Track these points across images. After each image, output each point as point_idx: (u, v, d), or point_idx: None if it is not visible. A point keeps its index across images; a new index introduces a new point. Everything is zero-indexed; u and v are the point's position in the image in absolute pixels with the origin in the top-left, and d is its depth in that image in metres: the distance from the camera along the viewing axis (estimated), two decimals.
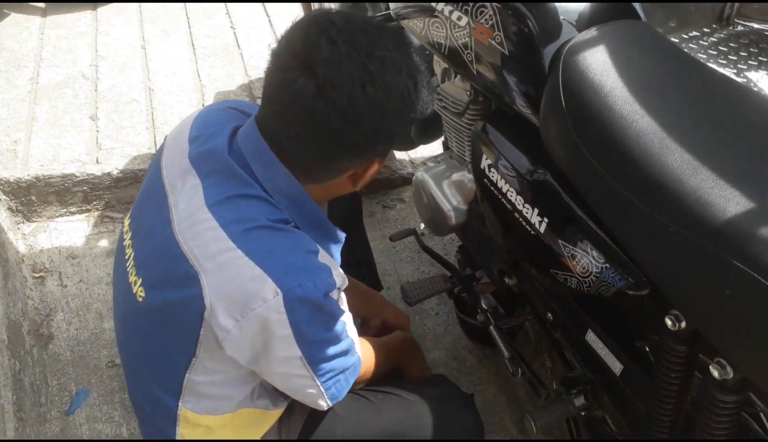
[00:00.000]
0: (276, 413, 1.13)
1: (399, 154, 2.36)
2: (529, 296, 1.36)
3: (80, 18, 2.83)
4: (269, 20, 2.94)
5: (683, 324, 0.85)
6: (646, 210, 0.82)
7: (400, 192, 2.28)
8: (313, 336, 0.95)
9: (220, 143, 0.97)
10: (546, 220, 1.05)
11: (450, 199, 1.45)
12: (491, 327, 1.47)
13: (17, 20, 2.76)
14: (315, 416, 1.17)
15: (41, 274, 1.87)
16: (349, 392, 1.14)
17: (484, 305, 1.43)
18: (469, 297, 1.53)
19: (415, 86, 0.93)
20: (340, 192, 1.04)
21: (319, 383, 1.00)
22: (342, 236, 1.09)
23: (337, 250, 1.07)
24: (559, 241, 1.03)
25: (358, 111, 0.87)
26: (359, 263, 1.60)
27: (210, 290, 0.90)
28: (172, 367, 1.01)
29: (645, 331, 1.09)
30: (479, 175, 1.21)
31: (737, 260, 0.71)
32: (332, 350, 0.99)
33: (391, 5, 1.41)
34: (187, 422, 1.07)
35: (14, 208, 1.98)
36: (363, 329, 1.45)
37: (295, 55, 0.87)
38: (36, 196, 1.98)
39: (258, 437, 1.14)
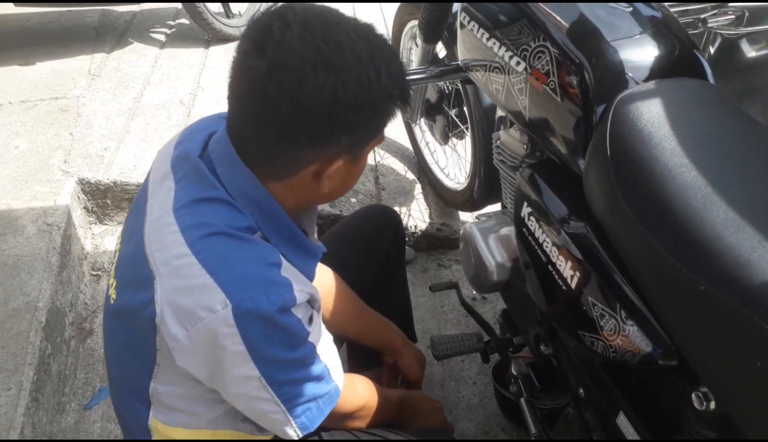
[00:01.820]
0: (264, 438, 1.08)
1: (462, 216, 2.32)
2: (563, 368, 1.25)
3: (193, 53, 3.05)
4: None
5: (712, 404, 0.74)
6: (677, 265, 0.74)
7: (458, 253, 2.22)
8: (272, 355, 0.88)
9: (194, 147, 0.95)
10: (577, 274, 0.97)
11: (494, 254, 1.39)
12: (522, 399, 1.36)
13: (138, 48, 3.02)
14: None
15: (98, 273, 1.95)
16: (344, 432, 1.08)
17: (514, 371, 1.33)
18: (502, 360, 1.44)
19: (378, 76, 0.85)
20: (308, 195, 0.96)
21: (284, 409, 0.93)
22: (319, 249, 1.02)
23: (312, 265, 1.01)
24: (589, 298, 0.94)
25: (308, 94, 0.81)
26: (394, 307, 1.54)
27: (161, 295, 0.86)
28: (139, 373, 0.98)
29: (679, 420, 0.96)
30: (519, 224, 1.16)
31: None
32: (298, 374, 0.92)
33: (460, 56, 1.42)
34: (160, 434, 1.03)
35: (90, 208, 2.09)
36: (372, 371, 1.38)
37: (251, 39, 0.84)
38: (111, 201, 2.09)
39: None
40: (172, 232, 0.88)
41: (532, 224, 1.10)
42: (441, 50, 1.94)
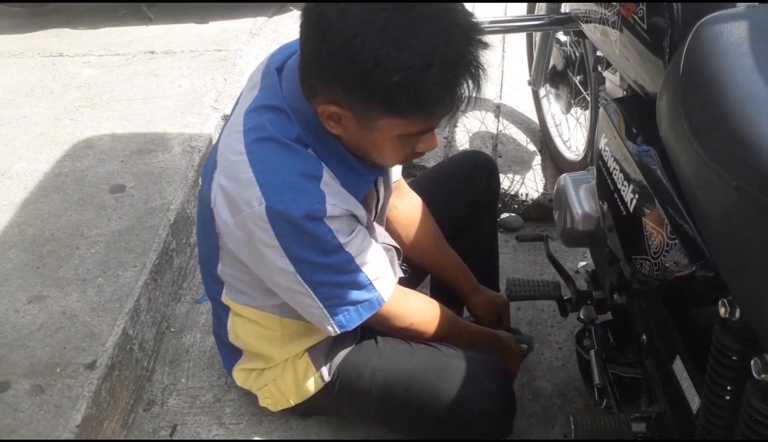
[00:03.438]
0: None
1: None
2: (633, 315, 1.21)
3: None
4: None
5: (737, 313, 0.71)
6: (716, 167, 0.72)
7: None
8: (302, 256, 0.97)
9: (277, 60, 1.04)
10: (636, 197, 0.95)
11: (583, 203, 1.36)
12: (592, 351, 1.33)
13: (295, 15, 3.23)
14: (362, 343, 1.20)
15: None
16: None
17: (581, 315, 1.30)
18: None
19: (427, 65, 0.83)
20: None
21: (321, 306, 1.02)
22: (372, 174, 1.07)
23: (361, 186, 1.05)
24: (642, 218, 0.93)
25: (326, 29, 0.84)
26: (478, 253, 1.55)
27: (215, 184, 0.99)
28: (211, 255, 1.13)
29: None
30: (597, 157, 1.14)
31: None
32: (334, 279, 1.00)
33: (569, 5, 1.42)
34: (233, 309, 1.18)
35: None
36: None
37: None
38: None
39: (305, 347, 1.20)
40: (237, 131, 1.00)
41: (606, 153, 1.09)
42: None
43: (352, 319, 1.05)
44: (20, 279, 1.60)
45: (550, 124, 2.37)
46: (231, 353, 1.28)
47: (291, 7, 3.36)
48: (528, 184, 2.25)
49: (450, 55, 0.84)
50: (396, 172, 1.27)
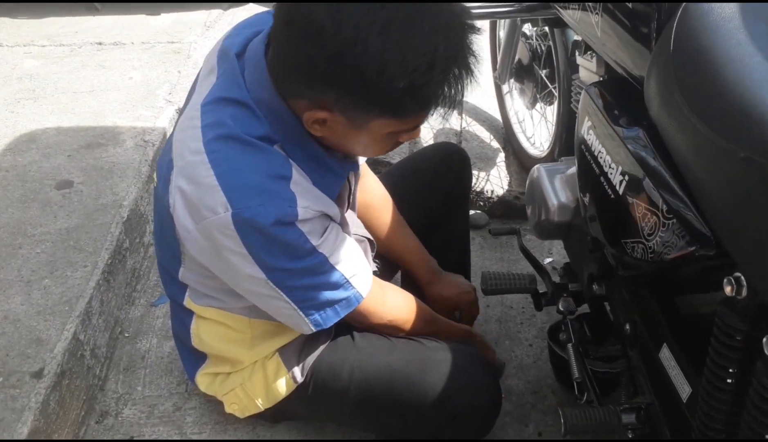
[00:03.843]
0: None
1: None
2: (614, 309, 1.19)
3: None
4: None
5: (744, 291, 0.68)
6: (721, 141, 0.69)
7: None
8: (274, 264, 0.90)
9: (236, 43, 0.94)
10: (626, 178, 0.92)
11: (558, 193, 1.34)
12: (569, 345, 1.30)
13: (251, 7, 3.19)
14: (337, 340, 1.13)
15: None
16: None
17: (561, 307, 1.27)
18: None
19: (365, 42, 0.75)
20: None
21: (296, 308, 0.96)
22: (345, 169, 1.00)
23: (335, 183, 0.99)
24: (634, 200, 0.89)
25: (310, 31, 0.77)
26: (451, 246, 1.51)
27: (173, 186, 0.90)
28: (172, 258, 1.04)
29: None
30: (579, 143, 1.11)
31: None
32: (308, 281, 0.94)
33: None
34: (197, 313, 1.10)
35: None
36: None
37: None
38: None
39: (276, 348, 1.13)
40: (194, 125, 0.90)
41: (590, 137, 1.05)
42: None
43: (329, 317, 0.99)
44: None
45: (513, 120, 2.36)
46: (194, 358, 1.20)
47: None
48: (493, 181, 2.23)
49: (451, 51, 0.79)
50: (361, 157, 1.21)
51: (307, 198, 0.90)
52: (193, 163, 0.88)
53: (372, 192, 1.32)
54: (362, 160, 1.23)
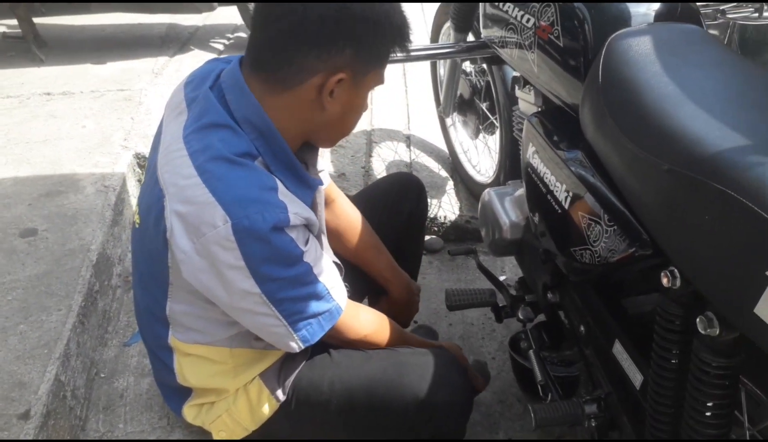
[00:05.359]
0: (276, 352, 1.17)
1: None
2: (568, 314, 1.31)
3: None
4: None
5: (678, 282, 0.81)
6: (649, 157, 0.82)
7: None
8: (269, 274, 0.95)
9: (204, 81, 1.03)
10: (570, 194, 1.05)
11: (509, 213, 1.47)
12: (530, 351, 1.42)
13: (197, 54, 3.27)
14: (314, 358, 1.20)
15: None
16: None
17: (521, 316, 1.39)
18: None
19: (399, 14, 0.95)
20: (309, 117, 1.01)
21: (285, 324, 1.01)
22: (315, 182, 1.09)
23: (308, 195, 1.07)
24: (579, 213, 1.02)
25: None
26: (413, 267, 1.62)
27: (169, 211, 0.95)
28: (157, 294, 1.07)
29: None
30: (525, 167, 1.24)
31: (715, 182, 0.70)
32: (296, 292, 0.99)
33: (483, 32, 1.54)
34: (179, 351, 1.14)
35: (142, 180, 2.27)
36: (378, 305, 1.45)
37: None
38: None
39: (257, 373, 1.18)
40: (181, 156, 0.96)
41: (536, 161, 1.19)
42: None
43: (315, 332, 1.05)
44: None
45: (458, 150, 2.51)
46: (179, 394, 1.23)
47: (192, 47, 3.35)
48: (445, 207, 2.36)
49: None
50: (325, 179, 1.30)
51: (294, 205, 0.97)
52: (187, 186, 0.94)
53: (346, 214, 1.40)
54: (327, 182, 1.33)
